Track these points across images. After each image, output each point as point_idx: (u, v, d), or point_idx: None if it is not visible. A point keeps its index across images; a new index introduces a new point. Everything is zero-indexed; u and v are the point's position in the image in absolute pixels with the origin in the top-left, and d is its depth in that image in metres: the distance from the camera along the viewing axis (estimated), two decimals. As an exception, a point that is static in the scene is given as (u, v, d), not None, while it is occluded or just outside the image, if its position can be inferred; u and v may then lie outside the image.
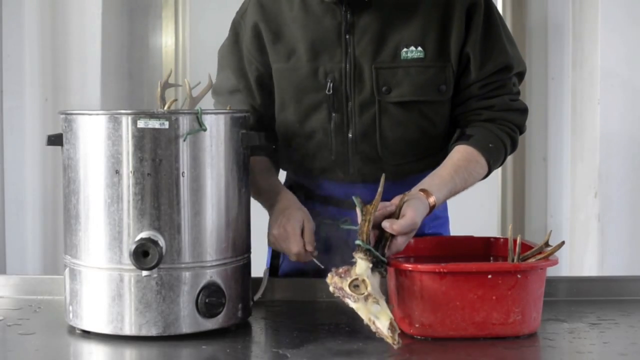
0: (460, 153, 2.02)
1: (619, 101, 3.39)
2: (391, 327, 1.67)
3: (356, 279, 1.71)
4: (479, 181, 2.05)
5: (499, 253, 1.99)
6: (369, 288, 1.70)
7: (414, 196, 1.86)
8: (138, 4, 4.07)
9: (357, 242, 1.75)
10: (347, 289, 1.70)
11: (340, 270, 1.73)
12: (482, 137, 2.04)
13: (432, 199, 1.89)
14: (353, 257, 1.75)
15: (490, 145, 2.03)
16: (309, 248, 1.97)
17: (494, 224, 4.23)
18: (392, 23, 2.03)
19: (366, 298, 1.69)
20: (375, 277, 1.74)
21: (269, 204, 2.06)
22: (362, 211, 1.77)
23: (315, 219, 2.04)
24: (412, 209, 1.80)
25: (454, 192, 1.98)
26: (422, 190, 1.90)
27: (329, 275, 1.73)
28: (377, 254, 1.75)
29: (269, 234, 2.02)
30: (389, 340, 1.66)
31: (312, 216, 2.04)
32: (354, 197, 1.79)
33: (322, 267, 1.94)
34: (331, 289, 1.73)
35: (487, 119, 2.06)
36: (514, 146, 2.10)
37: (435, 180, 1.95)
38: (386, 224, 1.77)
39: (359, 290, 1.70)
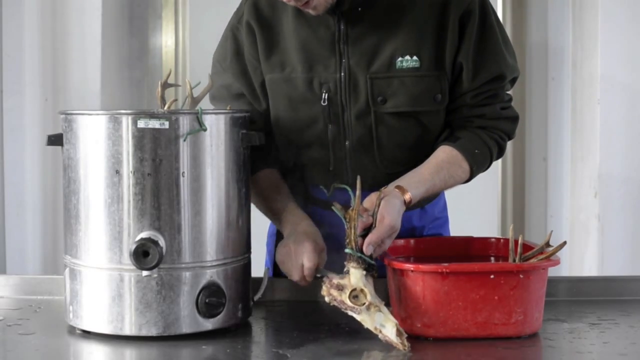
0: (445, 154, 2.02)
1: (619, 101, 3.39)
2: (398, 333, 1.68)
3: (354, 289, 1.72)
4: (460, 184, 2.06)
5: (499, 253, 1.99)
6: (369, 296, 1.72)
7: (390, 194, 1.87)
8: (138, 4, 4.07)
9: (347, 250, 1.77)
10: (348, 301, 1.71)
11: (334, 281, 1.74)
12: (469, 142, 2.03)
13: (407, 196, 1.90)
14: (345, 267, 1.76)
15: (476, 151, 2.03)
16: (309, 279, 1.90)
17: (494, 224, 4.23)
18: (387, 32, 2.00)
19: (368, 307, 1.71)
20: (369, 282, 1.75)
21: (282, 227, 2.02)
22: (345, 218, 1.78)
23: (315, 221, 2.04)
24: (389, 213, 1.81)
25: (431, 192, 1.99)
26: (398, 187, 1.91)
27: (324, 287, 1.75)
28: (368, 259, 1.76)
29: (276, 253, 1.98)
30: (400, 347, 1.67)
31: (312, 219, 2.03)
32: (333, 207, 1.80)
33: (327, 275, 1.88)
34: (327, 299, 1.74)
35: (478, 127, 2.06)
36: (500, 153, 2.11)
37: (414, 178, 1.96)
38: (366, 249, 1.77)
39: (359, 300, 1.72)
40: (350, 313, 1.72)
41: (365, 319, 1.71)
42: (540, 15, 4.13)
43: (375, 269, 1.78)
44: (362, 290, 1.73)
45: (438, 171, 1.99)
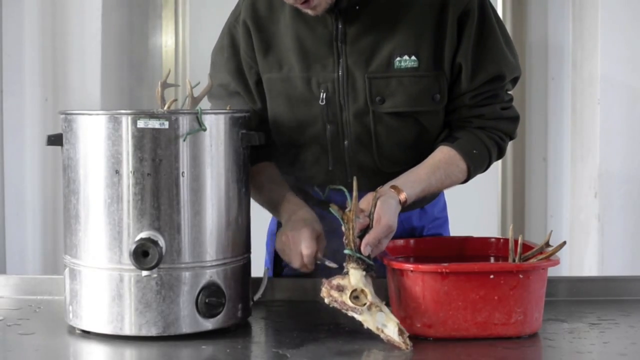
0: (443, 154, 2.02)
1: (619, 101, 3.39)
2: (400, 332, 1.68)
3: (355, 289, 1.72)
4: (458, 184, 2.06)
5: (499, 253, 1.99)
6: (369, 297, 1.72)
7: (386, 194, 1.87)
8: (138, 4, 4.07)
9: (347, 251, 1.77)
10: (349, 302, 1.72)
11: (334, 282, 1.74)
12: (467, 142, 2.03)
13: (403, 196, 1.90)
14: (345, 268, 1.76)
15: (474, 151, 2.03)
16: (309, 267, 1.92)
17: (494, 224, 4.23)
18: (385, 31, 2.00)
19: (369, 308, 1.71)
20: (369, 282, 1.75)
21: (280, 216, 2.03)
22: (342, 219, 1.78)
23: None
24: (385, 213, 1.81)
25: (427, 192, 1.99)
26: (394, 186, 1.91)
27: (323, 289, 1.75)
28: (368, 260, 1.76)
29: (276, 242, 1.99)
30: (402, 346, 1.68)
31: None
32: (330, 208, 1.79)
33: (336, 266, 1.87)
34: (327, 300, 1.74)
35: (478, 127, 2.06)
36: (500, 154, 2.10)
37: (410, 178, 1.96)
38: (364, 249, 1.77)
39: (359, 301, 1.72)
40: (351, 314, 1.72)
41: (367, 319, 1.71)
42: (540, 14, 4.12)
43: (374, 269, 1.78)
44: (362, 291, 1.73)
45: (434, 171, 1.99)
